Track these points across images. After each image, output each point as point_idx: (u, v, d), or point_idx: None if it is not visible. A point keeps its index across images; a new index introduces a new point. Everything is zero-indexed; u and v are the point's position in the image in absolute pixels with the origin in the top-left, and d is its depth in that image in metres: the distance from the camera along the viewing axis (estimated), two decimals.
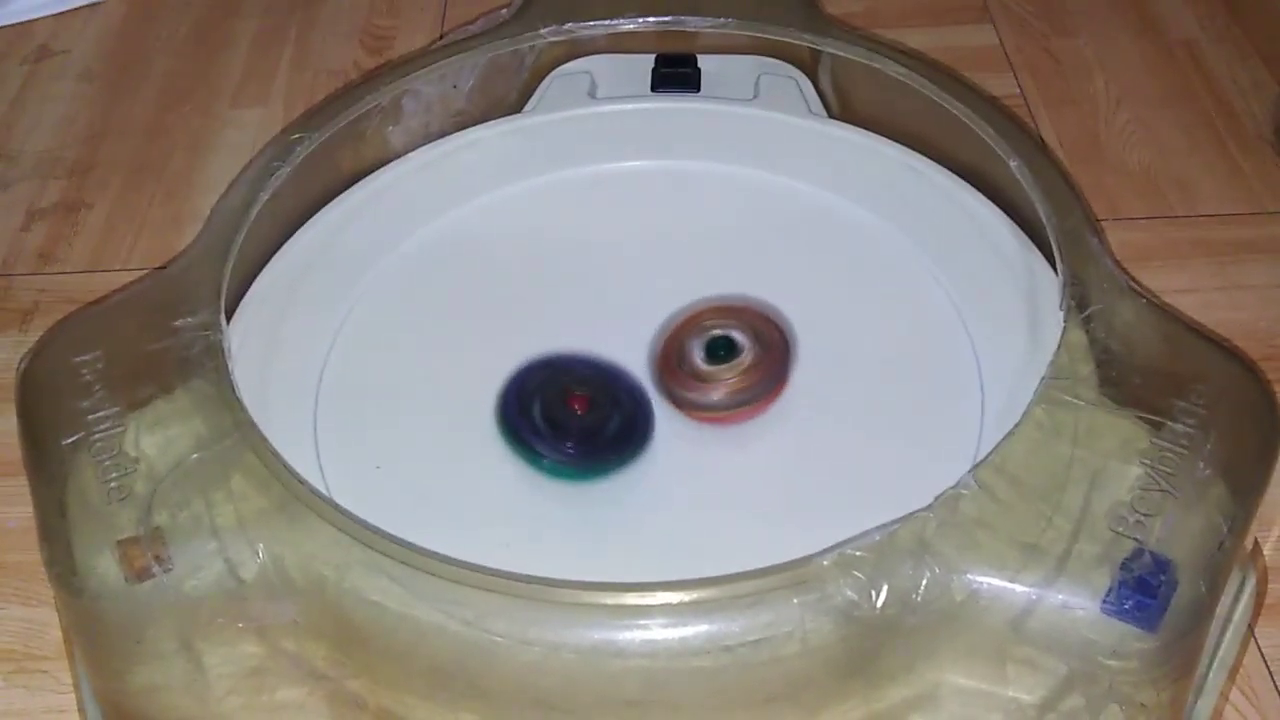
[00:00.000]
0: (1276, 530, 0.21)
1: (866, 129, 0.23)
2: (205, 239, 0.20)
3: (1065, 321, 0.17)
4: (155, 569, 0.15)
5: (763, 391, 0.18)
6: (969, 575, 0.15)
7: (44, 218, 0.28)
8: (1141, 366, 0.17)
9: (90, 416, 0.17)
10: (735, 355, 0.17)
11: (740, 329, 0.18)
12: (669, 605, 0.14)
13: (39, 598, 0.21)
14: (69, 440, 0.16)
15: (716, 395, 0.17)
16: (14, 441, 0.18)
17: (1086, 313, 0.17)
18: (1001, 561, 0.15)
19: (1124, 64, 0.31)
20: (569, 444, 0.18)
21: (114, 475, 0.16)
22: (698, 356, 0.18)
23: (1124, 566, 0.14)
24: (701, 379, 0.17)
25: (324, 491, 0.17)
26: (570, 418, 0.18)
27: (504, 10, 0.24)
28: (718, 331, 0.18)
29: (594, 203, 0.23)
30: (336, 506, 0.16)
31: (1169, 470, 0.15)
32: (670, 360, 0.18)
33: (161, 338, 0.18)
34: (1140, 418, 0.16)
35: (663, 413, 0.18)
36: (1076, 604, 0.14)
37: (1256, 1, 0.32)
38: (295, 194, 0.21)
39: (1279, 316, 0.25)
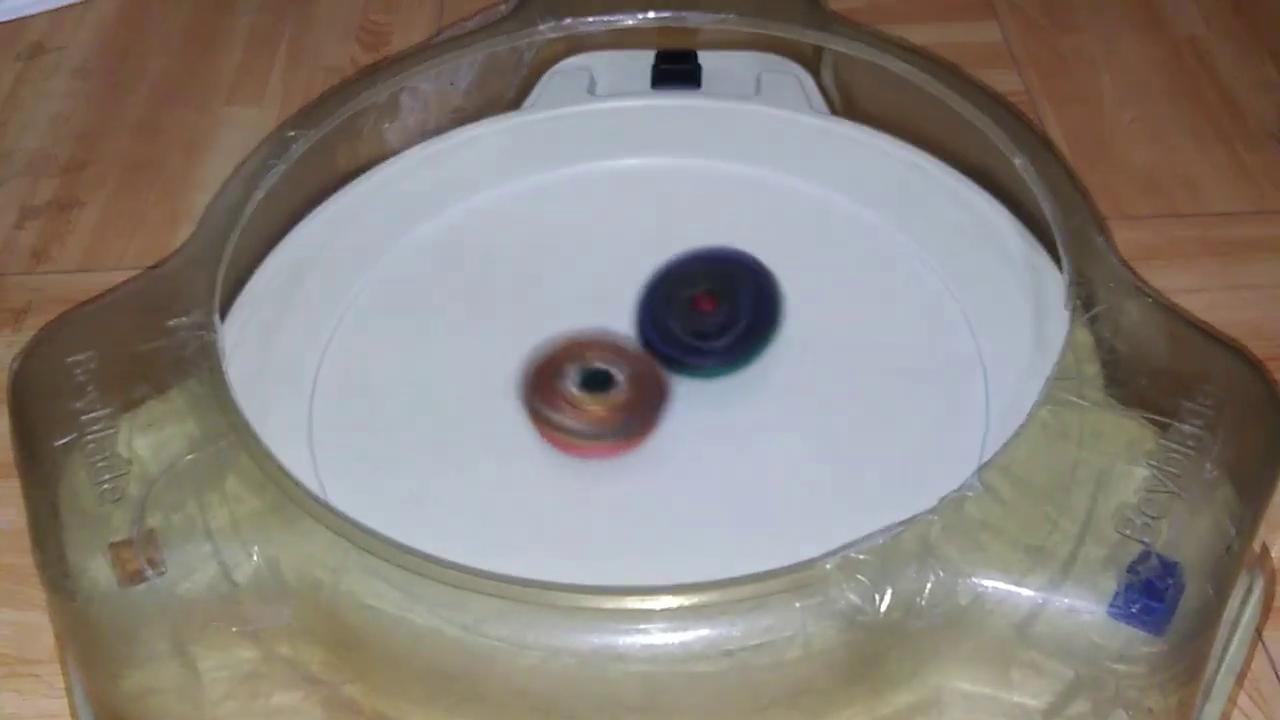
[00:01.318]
0: None
1: (869, 126, 0.23)
2: (199, 238, 0.19)
3: (1071, 321, 0.17)
4: (148, 572, 0.15)
5: (622, 433, 0.17)
6: (974, 578, 0.14)
7: (37, 216, 0.28)
8: (1148, 367, 0.17)
9: (83, 417, 0.16)
10: (608, 389, 0.17)
11: (620, 367, 0.18)
12: (670, 609, 0.14)
13: (31, 601, 0.21)
14: (61, 441, 0.16)
15: (580, 424, 0.17)
16: (5, 443, 0.17)
17: (1092, 312, 0.17)
18: (1007, 565, 0.14)
19: (1129, 61, 0.31)
20: (713, 342, 0.18)
21: (107, 477, 0.16)
22: (572, 383, 0.17)
23: (1130, 569, 0.14)
24: (571, 404, 0.17)
25: (319, 494, 0.17)
26: (702, 318, 0.18)
27: (502, 6, 0.24)
28: (599, 365, 0.18)
29: (593, 200, 0.22)
30: (331, 509, 0.15)
31: (1176, 472, 0.15)
32: (545, 380, 0.18)
33: (155, 338, 0.17)
34: (1147, 418, 0.16)
35: (665, 412, 0.18)
36: (1083, 607, 0.14)
37: None
38: (291, 192, 0.21)
39: None
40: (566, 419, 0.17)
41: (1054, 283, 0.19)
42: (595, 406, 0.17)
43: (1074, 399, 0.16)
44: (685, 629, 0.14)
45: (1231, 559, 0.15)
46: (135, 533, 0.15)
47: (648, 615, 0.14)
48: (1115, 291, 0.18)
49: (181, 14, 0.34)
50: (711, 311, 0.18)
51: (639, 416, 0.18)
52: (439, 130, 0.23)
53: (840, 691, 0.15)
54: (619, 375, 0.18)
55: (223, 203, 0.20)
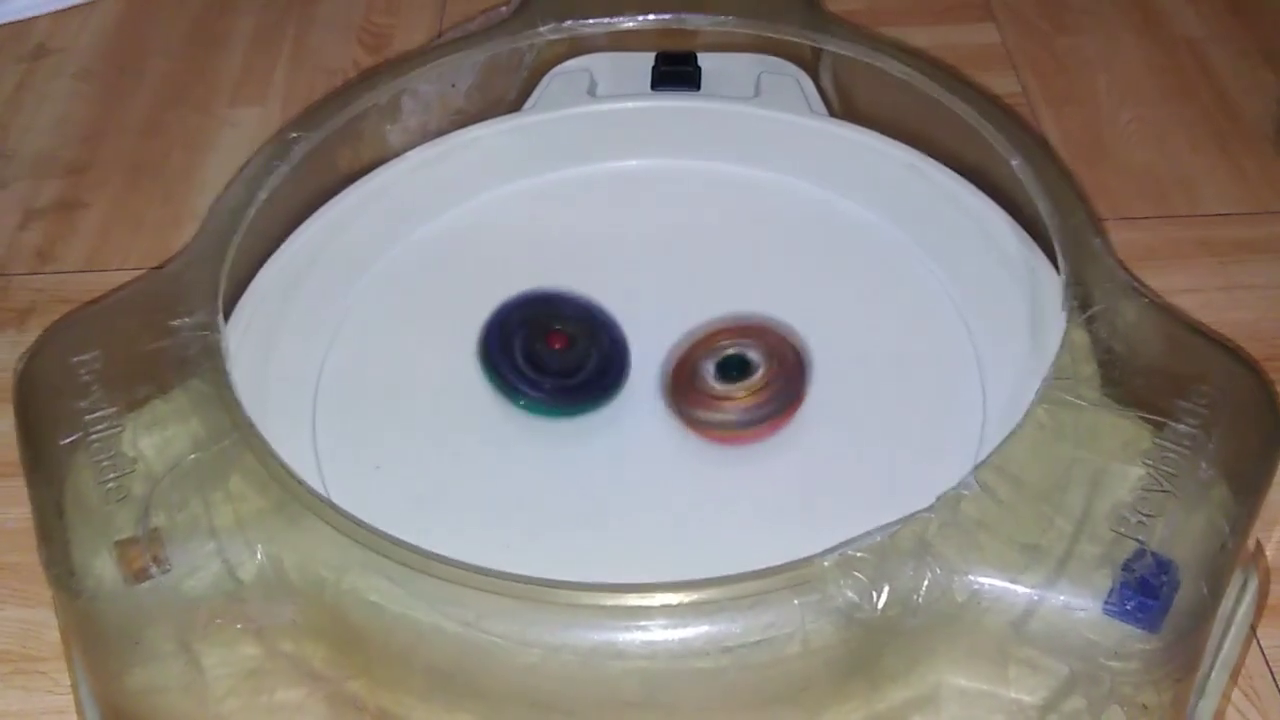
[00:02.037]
0: (1279, 531, 0.21)
1: (868, 127, 0.23)
2: (203, 238, 0.19)
3: (1067, 321, 0.17)
4: (153, 570, 0.15)
5: (777, 410, 0.17)
6: (970, 576, 0.14)
7: (41, 217, 0.28)
8: (1144, 367, 0.17)
9: (88, 417, 0.17)
10: (749, 374, 0.17)
11: (755, 348, 0.18)
12: (669, 606, 0.14)
13: (37, 598, 0.21)
14: (66, 440, 0.16)
15: (731, 415, 0.17)
16: (11, 442, 0.17)
17: (1089, 313, 0.17)
18: (1003, 562, 0.15)
19: (1126, 63, 0.31)
20: (546, 382, 0.18)
21: (112, 476, 0.16)
22: (710, 376, 0.17)
23: (1126, 567, 0.14)
24: (716, 398, 0.17)
25: (322, 492, 0.17)
26: (550, 356, 0.18)
27: (503, 8, 0.24)
28: (731, 351, 0.18)
29: (594, 201, 0.22)
30: (335, 507, 0.16)
31: (1171, 471, 0.15)
32: (683, 380, 0.18)
33: (159, 338, 0.17)
34: (1142, 418, 0.16)
35: (665, 411, 0.18)
36: (1078, 605, 0.14)
37: (1259, 0, 0.32)
38: (293, 193, 0.21)
39: None
40: (721, 415, 0.17)
41: (1051, 283, 0.19)
42: (741, 394, 0.17)
43: (1070, 399, 0.16)
44: (685, 626, 0.14)
45: (1226, 557, 0.15)
46: (140, 531, 0.15)
47: (647, 612, 0.14)
48: (1112, 292, 0.18)
49: (184, 16, 0.34)
50: (560, 351, 0.18)
51: (786, 389, 0.17)
52: (440, 132, 0.23)
53: (838, 688, 0.15)
54: (755, 358, 0.17)
55: (226, 204, 0.20)
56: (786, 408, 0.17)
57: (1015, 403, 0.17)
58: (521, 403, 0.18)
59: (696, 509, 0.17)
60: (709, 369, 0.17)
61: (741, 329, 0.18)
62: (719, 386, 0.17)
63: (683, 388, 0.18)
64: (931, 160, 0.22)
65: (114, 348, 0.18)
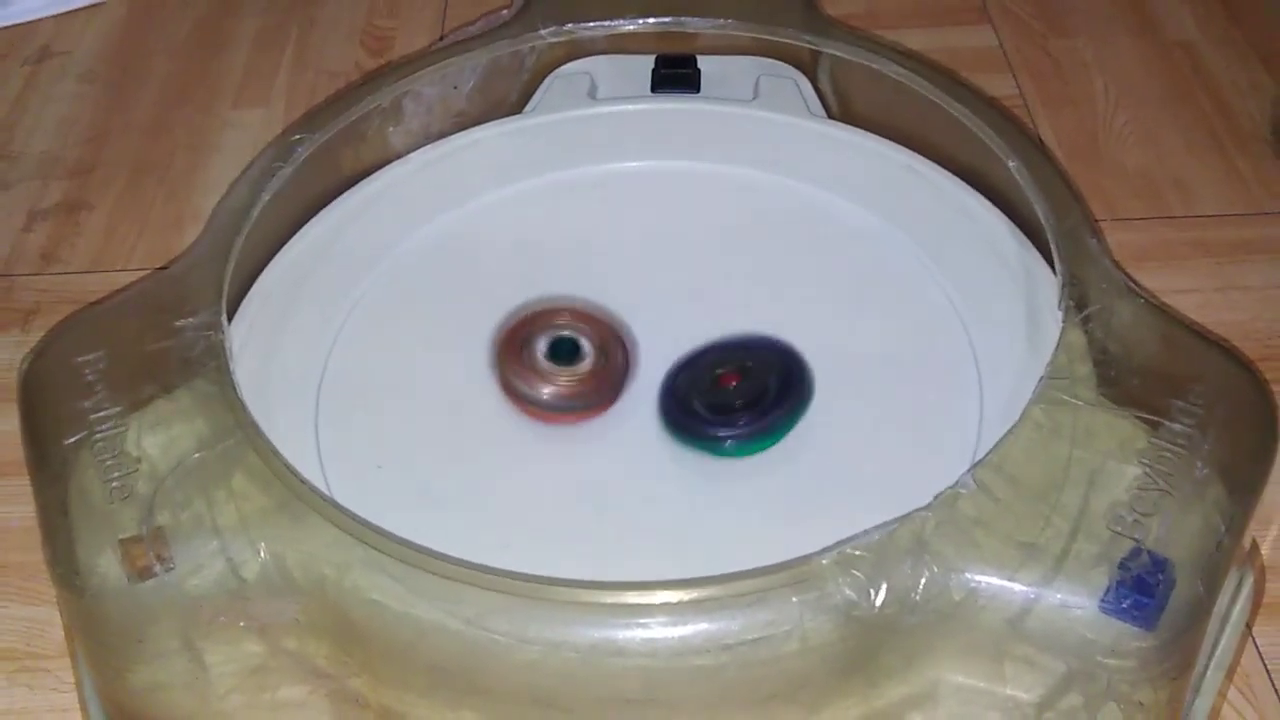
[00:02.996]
0: (1274, 529, 0.21)
1: (866, 130, 0.23)
2: (207, 239, 0.20)
3: (1064, 321, 0.17)
4: (157, 568, 0.15)
5: (589, 404, 0.17)
6: (967, 574, 0.15)
7: (46, 218, 0.28)
8: (1140, 367, 0.17)
9: (92, 416, 0.17)
10: (578, 360, 0.17)
11: (589, 337, 0.18)
12: (669, 604, 0.14)
13: (41, 597, 0.21)
14: (71, 440, 0.16)
15: (546, 394, 0.17)
16: (16, 441, 0.18)
17: (1085, 313, 0.17)
18: (1000, 560, 0.15)
19: (1122, 65, 0.31)
20: (740, 420, 0.18)
21: (116, 475, 0.16)
22: (541, 352, 0.17)
23: (1122, 565, 0.14)
24: (539, 375, 0.17)
25: (325, 491, 0.17)
26: (729, 396, 0.18)
27: (504, 11, 0.24)
28: (568, 333, 0.18)
29: (594, 203, 0.23)
30: (337, 505, 0.16)
31: (1167, 470, 0.15)
32: (514, 349, 0.18)
33: (163, 338, 0.18)
34: (1138, 417, 0.16)
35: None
36: (1075, 603, 0.14)
37: (1254, 3, 0.32)
38: (296, 194, 0.21)
39: (1277, 317, 0.25)
40: (536, 390, 0.17)
41: (1047, 284, 0.19)
42: (565, 378, 0.17)
43: (1067, 398, 0.16)
44: (684, 623, 0.14)
45: (1221, 555, 0.15)
46: (144, 529, 0.15)
47: (647, 610, 0.14)
48: (1108, 292, 0.18)
49: (188, 18, 0.34)
50: (734, 388, 0.18)
51: (605, 386, 0.18)
52: (442, 134, 0.23)
53: (836, 685, 0.15)
54: (586, 345, 0.18)
55: (229, 205, 0.20)
56: (597, 405, 0.17)
57: (1012, 402, 0.17)
58: (727, 447, 0.18)
59: (696, 507, 0.18)
60: (541, 345, 0.17)
61: (581, 315, 0.18)
62: (546, 364, 0.17)
63: (512, 358, 0.18)
64: (929, 162, 0.22)
65: (118, 348, 0.18)
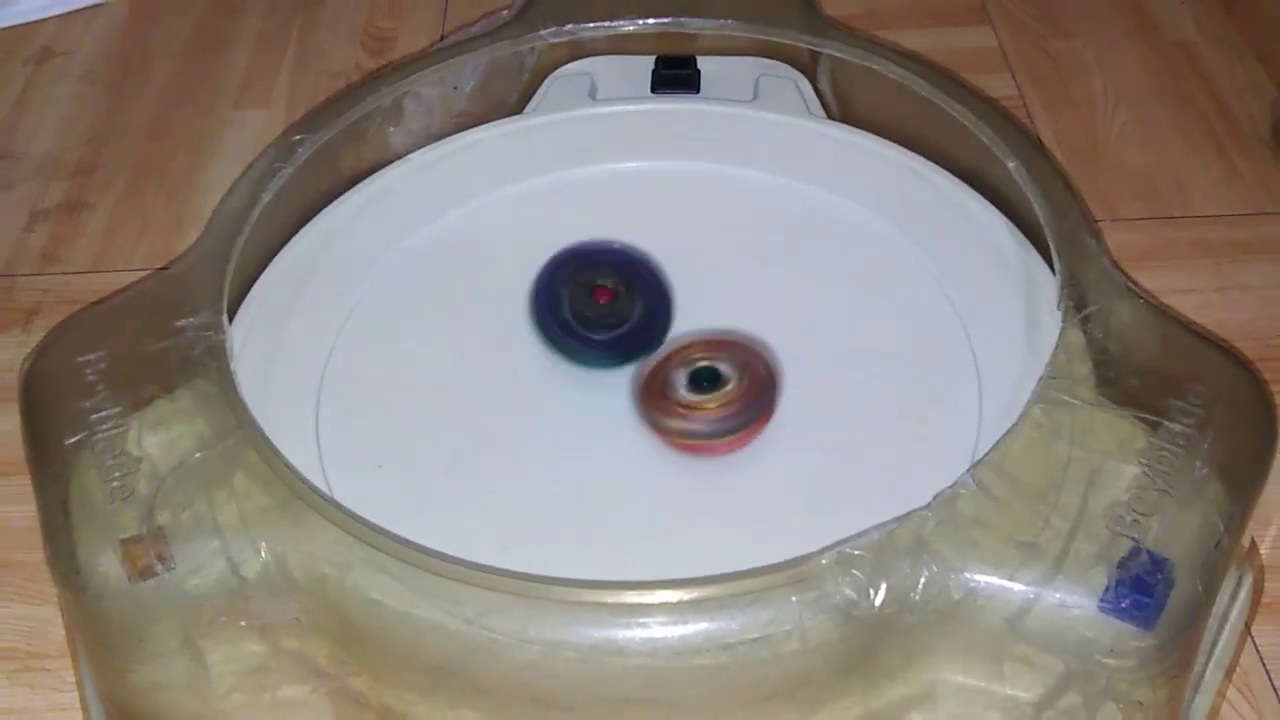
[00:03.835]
0: (1273, 529, 0.21)
1: (865, 130, 0.23)
2: (207, 240, 0.20)
3: (1063, 322, 0.17)
4: (158, 567, 0.15)
5: (744, 422, 0.18)
6: (967, 574, 0.15)
7: (47, 218, 0.28)
8: (1139, 366, 0.17)
9: (93, 416, 0.17)
10: (719, 386, 0.18)
11: (725, 361, 0.18)
12: (668, 603, 0.14)
13: (42, 596, 0.21)
14: (72, 440, 0.16)
15: (699, 424, 0.17)
16: (17, 441, 0.18)
17: (1084, 313, 0.17)
18: (999, 560, 0.15)
19: (1122, 65, 0.31)
20: (598, 335, 0.18)
21: (117, 474, 0.16)
22: (681, 386, 0.18)
23: (1121, 565, 0.14)
24: (685, 407, 0.18)
25: (325, 490, 0.17)
26: (597, 310, 0.18)
27: (505, 12, 0.24)
28: (703, 363, 0.18)
29: (594, 203, 0.23)
30: (338, 505, 0.16)
31: (1166, 470, 0.15)
32: (655, 389, 0.18)
33: (164, 338, 0.18)
34: (1138, 417, 0.16)
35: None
36: (1074, 602, 0.14)
37: (1253, 3, 0.32)
38: (297, 195, 0.21)
39: (1276, 316, 0.25)
40: (685, 423, 0.17)
41: (1046, 284, 0.20)
42: (711, 405, 0.17)
43: (1066, 398, 0.16)
44: (684, 623, 0.14)
45: (1220, 555, 0.15)
46: (145, 529, 0.15)
47: (647, 609, 0.14)
48: (1107, 293, 0.18)
49: (189, 18, 0.34)
50: (608, 304, 0.18)
51: (756, 404, 0.18)
52: (443, 134, 0.23)
53: (836, 684, 0.15)
54: (727, 371, 0.18)
55: (230, 205, 0.20)
56: (755, 421, 0.18)
57: (1011, 402, 0.17)
58: (576, 358, 0.18)
59: (696, 507, 0.18)
60: (681, 379, 0.18)
61: (714, 344, 0.18)
62: (690, 396, 0.18)
63: (654, 397, 0.18)
64: (928, 162, 0.22)
65: (119, 348, 0.18)
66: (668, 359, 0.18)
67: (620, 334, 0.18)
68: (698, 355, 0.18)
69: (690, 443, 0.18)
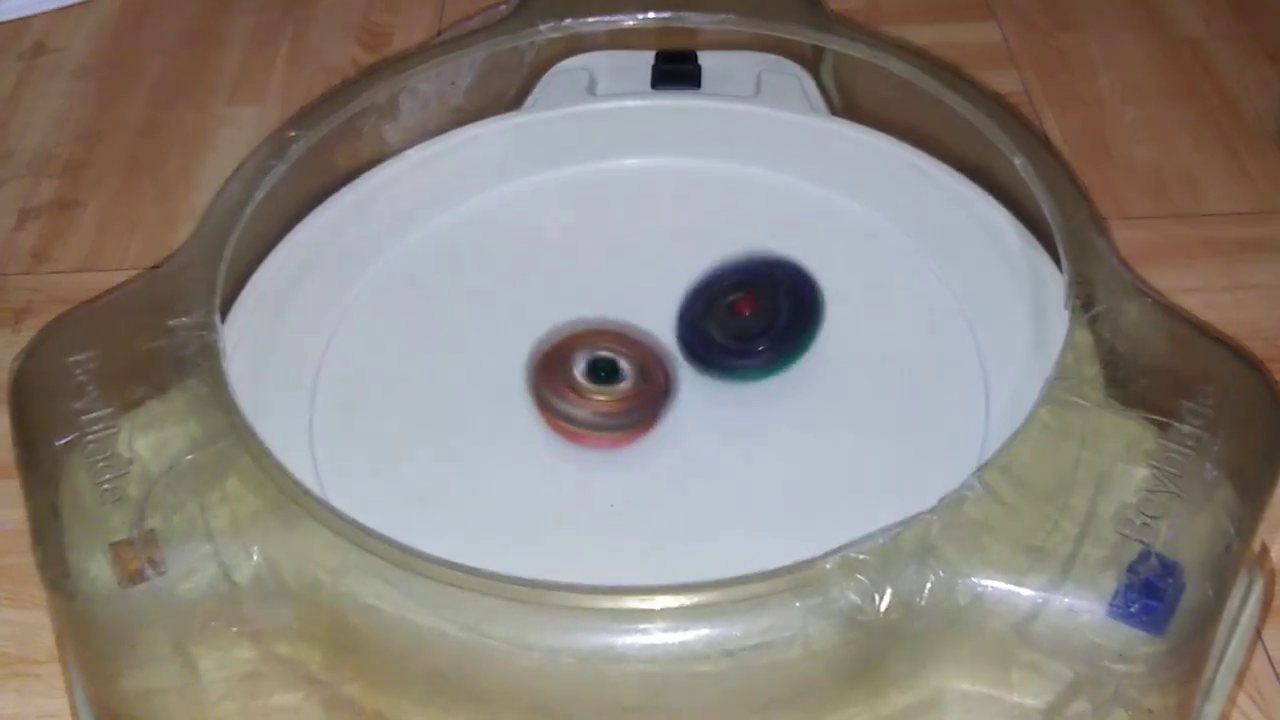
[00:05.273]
0: None
1: (869, 126, 0.23)
2: (200, 238, 0.19)
3: (1071, 321, 0.17)
4: (149, 572, 0.15)
5: (628, 424, 0.17)
6: (973, 578, 0.14)
7: (37, 216, 0.28)
8: (1148, 367, 0.17)
9: (83, 417, 0.16)
10: (615, 381, 0.17)
11: (629, 359, 0.18)
12: (669, 609, 0.14)
13: (31, 601, 0.21)
14: (62, 441, 0.16)
15: (585, 413, 0.17)
16: (6, 443, 0.17)
17: (1092, 312, 0.17)
18: (1006, 565, 0.14)
19: (1129, 61, 0.31)
20: (757, 345, 0.18)
21: (107, 477, 0.16)
22: (579, 371, 0.17)
23: (1130, 569, 0.14)
24: (577, 393, 0.17)
25: (319, 494, 0.17)
26: (742, 321, 0.18)
27: (502, 6, 0.24)
28: (605, 354, 0.18)
29: (593, 200, 0.22)
30: (332, 509, 0.15)
31: (1176, 472, 0.15)
32: (551, 365, 0.18)
33: (156, 338, 0.17)
34: (1147, 419, 0.16)
35: (666, 412, 0.18)
36: (1082, 607, 0.14)
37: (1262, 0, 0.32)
38: (291, 192, 0.21)
39: None
40: (573, 409, 0.17)
41: (1054, 283, 0.19)
42: (602, 398, 0.17)
43: (1074, 399, 0.16)
44: (685, 629, 0.14)
45: (1231, 558, 0.15)
46: (136, 533, 0.15)
47: (647, 615, 0.14)
48: (1115, 291, 0.18)
49: (182, 14, 0.34)
50: (750, 315, 0.18)
51: (646, 408, 0.17)
52: (439, 130, 0.23)
53: (840, 691, 0.15)
54: (626, 366, 0.17)
55: (223, 203, 0.20)
56: (638, 426, 0.17)
57: (1018, 403, 0.17)
58: (743, 377, 0.18)
59: (697, 510, 0.17)
60: (580, 363, 0.17)
61: (624, 338, 0.18)
62: (585, 383, 0.17)
63: (549, 373, 0.18)
64: (933, 159, 0.22)
65: (110, 348, 0.18)
66: (572, 339, 0.18)
67: (774, 336, 0.18)
68: (605, 344, 0.18)
69: (569, 428, 0.17)
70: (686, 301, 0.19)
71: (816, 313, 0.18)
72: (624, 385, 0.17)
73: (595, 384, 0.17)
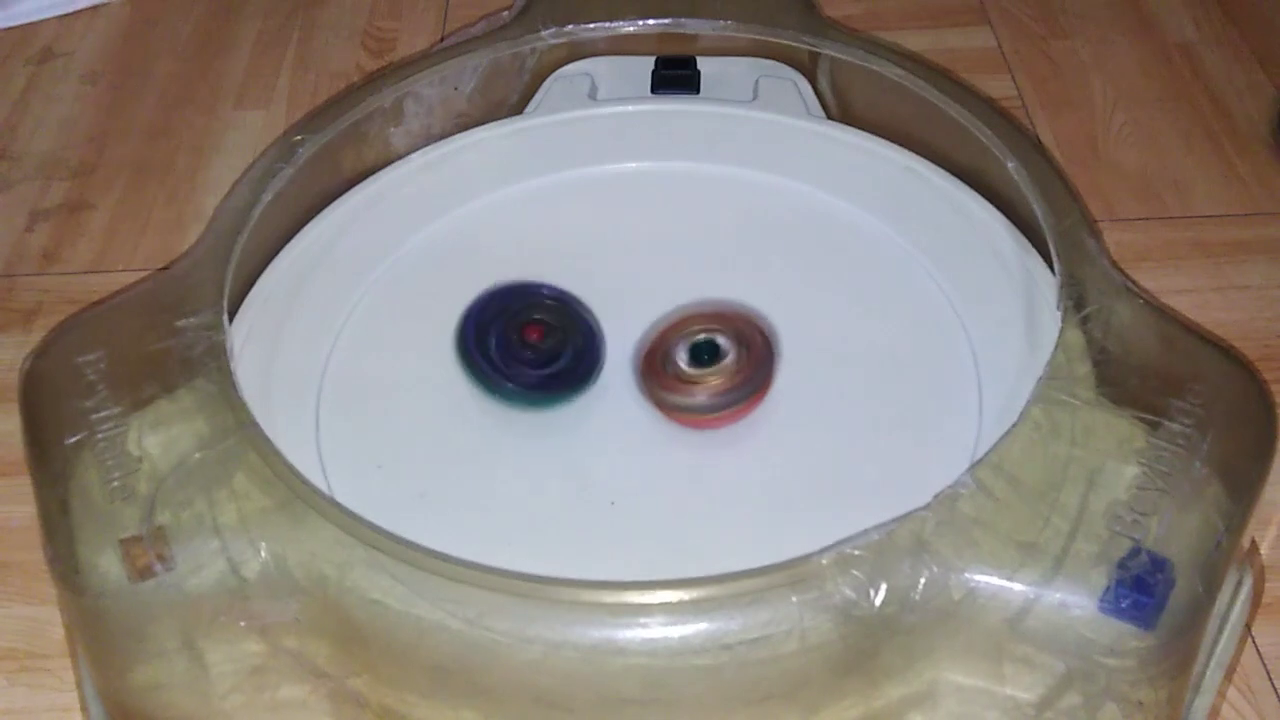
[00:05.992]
0: (1273, 529, 0.21)
1: (865, 130, 0.23)
2: (208, 240, 0.20)
3: (1062, 321, 0.17)
4: (158, 567, 0.15)
5: (746, 394, 0.18)
6: (967, 574, 0.15)
7: (47, 218, 0.28)
8: (1138, 366, 0.17)
9: (93, 416, 0.17)
10: (719, 359, 0.17)
11: (724, 334, 0.18)
12: (669, 604, 0.14)
13: (42, 596, 0.21)
14: (72, 440, 0.17)
15: (701, 398, 0.17)
16: (17, 441, 0.18)
17: (1084, 313, 0.17)
18: (999, 560, 0.15)
19: (1121, 66, 0.31)
20: (526, 371, 0.18)
21: (117, 474, 0.16)
22: (682, 360, 0.18)
23: (1121, 565, 0.14)
24: (685, 382, 0.17)
25: (325, 490, 0.17)
26: (526, 347, 0.18)
27: (505, 12, 0.25)
28: (702, 336, 0.18)
29: (594, 204, 0.23)
30: (338, 505, 0.16)
31: (1166, 469, 0.15)
32: (654, 364, 0.18)
33: (164, 338, 0.18)
34: (1137, 417, 0.16)
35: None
36: (1074, 602, 0.14)
37: (1252, 4, 0.32)
38: (298, 195, 0.21)
39: (1275, 316, 0.25)
40: (690, 399, 0.17)
41: (1046, 284, 0.20)
42: (715, 379, 0.17)
43: (1066, 398, 0.16)
44: (684, 623, 0.14)
45: (1221, 555, 0.15)
46: (145, 529, 0.15)
47: (647, 610, 0.14)
48: (1106, 293, 0.18)
49: (190, 19, 0.34)
50: (534, 343, 0.18)
51: (757, 374, 0.18)
52: (443, 134, 0.23)
53: (836, 684, 0.15)
54: (725, 343, 0.18)
55: (231, 205, 0.20)
56: (755, 394, 0.18)
57: (1011, 402, 0.17)
58: (499, 394, 0.18)
59: (696, 508, 0.18)
60: (681, 353, 0.18)
61: (712, 315, 0.18)
62: (690, 370, 0.17)
63: (655, 371, 0.18)
64: (928, 163, 0.22)
65: (119, 348, 0.18)
66: (665, 333, 0.18)
67: (550, 373, 0.18)
68: (697, 328, 0.18)
69: (693, 418, 0.18)
70: (475, 307, 0.19)
71: (590, 370, 0.18)
72: (727, 361, 0.17)
73: (701, 368, 0.17)
